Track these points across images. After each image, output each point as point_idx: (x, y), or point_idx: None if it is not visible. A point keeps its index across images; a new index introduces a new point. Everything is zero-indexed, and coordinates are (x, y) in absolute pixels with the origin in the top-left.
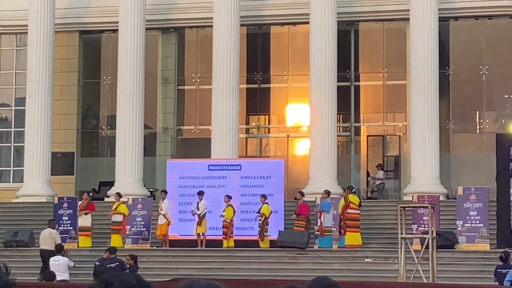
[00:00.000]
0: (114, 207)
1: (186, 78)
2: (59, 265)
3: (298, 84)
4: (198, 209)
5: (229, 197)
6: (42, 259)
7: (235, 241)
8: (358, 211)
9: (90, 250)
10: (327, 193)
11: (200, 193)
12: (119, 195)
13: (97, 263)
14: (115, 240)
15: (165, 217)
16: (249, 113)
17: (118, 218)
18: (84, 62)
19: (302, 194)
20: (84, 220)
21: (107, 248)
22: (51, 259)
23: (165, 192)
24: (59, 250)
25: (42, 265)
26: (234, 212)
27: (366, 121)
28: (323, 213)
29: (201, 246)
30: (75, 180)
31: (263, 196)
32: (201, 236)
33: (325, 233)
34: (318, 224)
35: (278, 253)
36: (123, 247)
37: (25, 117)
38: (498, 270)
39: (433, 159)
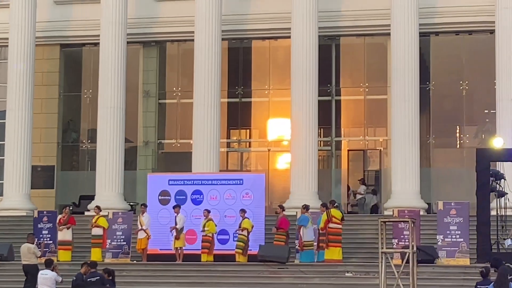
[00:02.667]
0: (94, 220)
1: (167, 92)
2: (46, 279)
3: (279, 98)
4: (176, 224)
5: (208, 211)
6: (25, 274)
7: (214, 255)
8: (340, 226)
9: (69, 264)
10: (305, 207)
11: (176, 207)
12: (98, 208)
13: (74, 278)
14: (95, 254)
15: (146, 232)
16: (230, 127)
17: (98, 231)
18: (65, 75)
19: (282, 208)
20: (65, 234)
21: (83, 262)
22: (40, 272)
23: (145, 205)
24: (48, 264)
25: (25, 280)
26: (215, 226)
27: (347, 136)
28: (301, 228)
29: (179, 260)
30: (55, 194)
31: (243, 211)
32: (179, 250)
33: (305, 248)
34: (298, 239)
35: (258, 268)
36: (103, 261)
37: (5, 130)
38: (478, 286)
39: (413, 173)
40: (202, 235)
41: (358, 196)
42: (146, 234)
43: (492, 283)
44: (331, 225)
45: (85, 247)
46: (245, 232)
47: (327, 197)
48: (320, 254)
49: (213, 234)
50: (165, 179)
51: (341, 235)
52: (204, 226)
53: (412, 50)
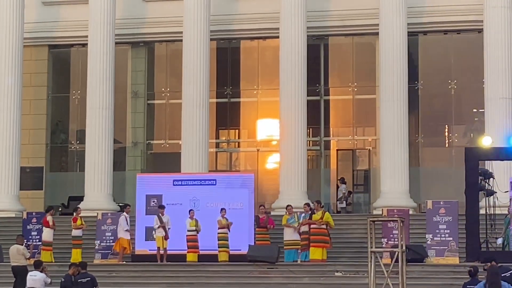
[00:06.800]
0: (79, 222)
1: (156, 92)
2: (35, 281)
3: (268, 98)
4: (160, 223)
5: (193, 211)
6: (14, 275)
7: (200, 255)
8: (324, 227)
9: (58, 265)
10: (308, 205)
11: (162, 207)
12: (80, 209)
13: (63, 280)
14: (76, 255)
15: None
16: (219, 128)
17: (77, 232)
18: (53, 76)
19: (265, 208)
20: (47, 235)
21: (70, 263)
22: (29, 274)
23: (129, 205)
24: (37, 265)
25: (15, 281)
26: (197, 225)
27: (336, 135)
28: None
29: (164, 261)
30: (44, 195)
31: (223, 210)
32: (161, 251)
33: (292, 247)
34: (297, 238)
35: (248, 268)
36: (91, 262)
37: None
38: (467, 286)
39: (402, 173)
40: (187, 235)
41: (340, 195)
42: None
43: (482, 282)
44: (314, 226)
45: (69, 248)
46: (226, 230)
47: (316, 197)
48: (306, 254)
49: (195, 233)
50: (154, 179)
51: (327, 235)
52: (190, 226)
53: (401, 50)
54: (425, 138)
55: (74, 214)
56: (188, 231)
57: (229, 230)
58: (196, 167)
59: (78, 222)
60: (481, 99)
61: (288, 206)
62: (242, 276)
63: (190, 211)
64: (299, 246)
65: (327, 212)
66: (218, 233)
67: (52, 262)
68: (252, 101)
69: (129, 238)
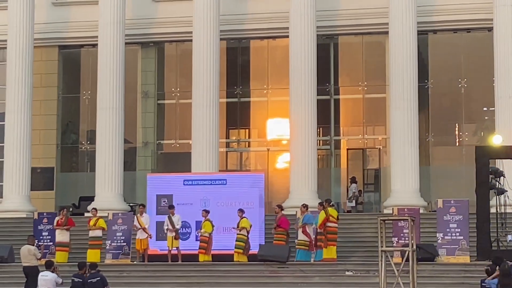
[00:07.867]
0: (92, 222)
1: (166, 92)
2: (47, 281)
3: (278, 98)
4: (170, 224)
5: (207, 212)
6: (25, 275)
7: (212, 255)
8: (336, 224)
9: (69, 265)
10: (305, 206)
11: (171, 207)
12: (96, 210)
13: (74, 279)
14: (93, 255)
15: (146, 231)
16: (229, 127)
17: (97, 233)
18: (64, 77)
19: (281, 208)
20: (63, 236)
21: (81, 263)
22: (40, 274)
23: (143, 205)
24: (48, 265)
25: (26, 282)
26: (213, 226)
27: (346, 135)
28: (307, 226)
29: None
30: (55, 195)
31: (241, 211)
32: (171, 250)
33: (304, 247)
34: (303, 238)
35: (258, 267)
36: (103, 262)
37: (4, 133)
38: (483, 284)
39: (413, 172)
40: (199, 235)
41: (350, 194)
42: (146, 234)
43: (497, 279)
44: (329, 224)
45: (83, 249)
46: (244, 232)
47: (327, 196)
48: (319, 253)
49: (209, 233)
50: (165, 179)
51: (337, 234)
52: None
53: (411, 49)
54: (435, 136)
55: (92, 214)
56: (200, 231)
57: (247, 232)
58: (206, 167)
59: (91, 223)
60: (491, 98)
61: (302, 205)
62: (253, 275)
63: (203, 211)
64: (303, 246)
65: (322, 210)
66: (237, 234)
67: (61, 262)
68: (262, 101)
69: (143, 237)
